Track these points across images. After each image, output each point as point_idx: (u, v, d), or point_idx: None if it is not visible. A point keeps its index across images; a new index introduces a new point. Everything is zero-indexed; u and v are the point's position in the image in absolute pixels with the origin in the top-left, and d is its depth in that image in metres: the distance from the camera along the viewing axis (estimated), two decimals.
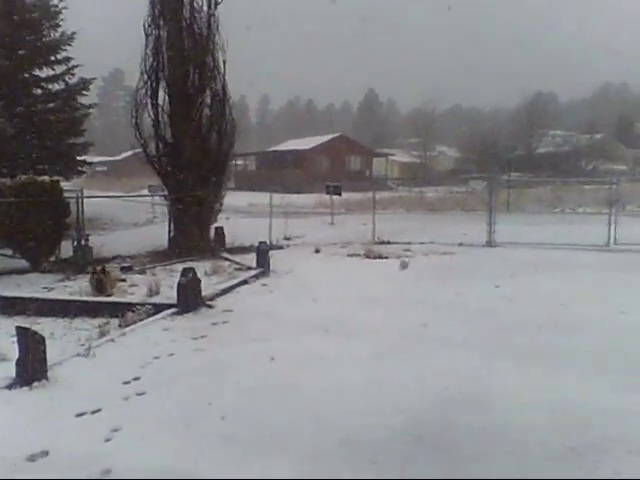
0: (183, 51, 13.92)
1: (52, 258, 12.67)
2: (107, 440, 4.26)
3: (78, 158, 21.43)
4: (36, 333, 5.30)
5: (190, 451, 4.07)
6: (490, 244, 13.77)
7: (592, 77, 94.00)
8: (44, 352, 5.33)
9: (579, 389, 5.02)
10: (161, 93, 14.05)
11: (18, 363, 5.23)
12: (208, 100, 14.10)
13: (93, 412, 4.74)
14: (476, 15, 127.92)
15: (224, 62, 14.13)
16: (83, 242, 12.47)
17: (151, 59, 13.93)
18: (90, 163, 23.37)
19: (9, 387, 5.13)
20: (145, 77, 13.93)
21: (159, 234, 15.22)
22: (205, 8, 13.94)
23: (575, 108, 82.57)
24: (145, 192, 29.43)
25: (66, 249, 12.85)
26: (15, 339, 7.28)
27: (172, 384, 5.34)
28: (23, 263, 12.36)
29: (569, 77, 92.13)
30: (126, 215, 23.14)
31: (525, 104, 57.15)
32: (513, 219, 16.02)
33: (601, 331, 6.74)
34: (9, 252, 12.65)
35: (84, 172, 22.63)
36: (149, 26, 13.86)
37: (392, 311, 7.82)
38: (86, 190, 13.75)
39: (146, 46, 13.91)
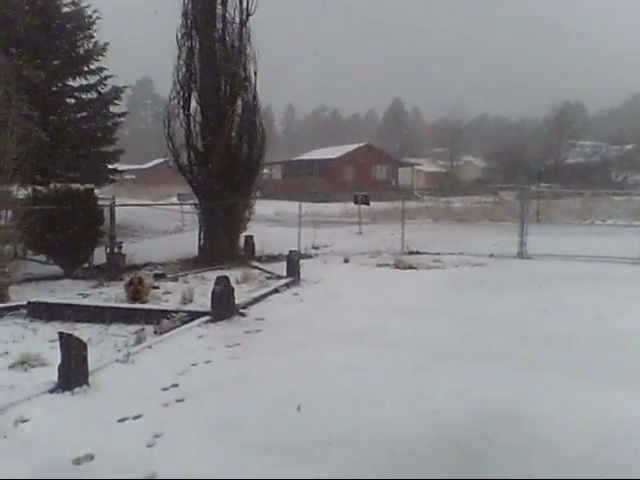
0: (215, 62, 14.14)
1: (85, 265, 12.90)
2: (149, 445, 4.32)
3: (109, 166, 21.80)
4: (78, 339, 5.40)
5: (232, 458, 4.10)
6: (521, 256, 13.65)
7: (621, 88, 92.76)
8: (85, 358, 5.43)
9: (619, 404, 4.95)
10: (193, 103, 14.29)
11: (60, 368, 5.33)
12: (239, 110, 14.27)
13: (134, 418, 4.80)
14: (503, 25, 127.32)
15: (255, 73, 14.32)
16: (116, 249, 12.67)
17: (184, 69, 14.17)
18: (121, 171, 23.76)
19: (51, 391, 5.22)
20: (178, 87, 14.16)
21: (189, 242, 15.40)
22: (237, 20, 14.15)
23: (604, 119, 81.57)
24: (174, 200, 29.85)
25: (98, 256, 13.07)
26: (54, 344, 7.48)
27: (210, 391, 5.39)
28: (56, 269, 12.59)
29: (597, 88, 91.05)
30: (156, 223, 23.44)
31: (554, 114, 56.65)
32: (543, 230, 15.88)
33: (638, 345, 6.65)
34: (43, 258, 12.92)
35: (115, 180, 22.97)
36: (182, 37, 14.10)
37: (425, 322, 7.79)
38: (116, 198, 13.98)
39: (179, 57, 14.15)
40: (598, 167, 47.60)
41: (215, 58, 14.10)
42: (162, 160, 67.24)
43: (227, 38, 14.13)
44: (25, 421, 4.66)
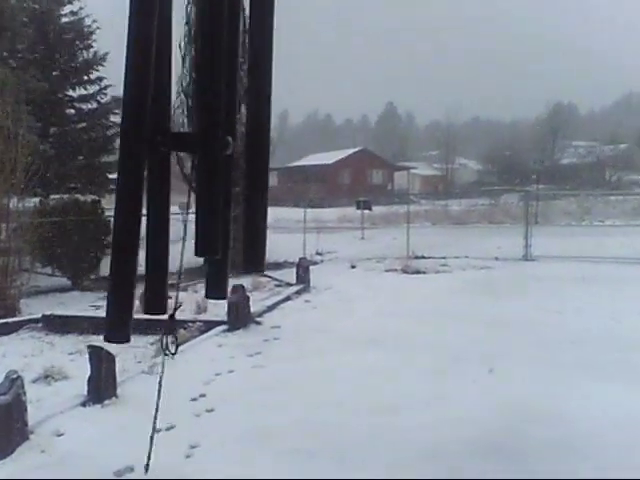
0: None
1: (92, 276, 12.92)
2: (188, 457, 4.36)
3: (110, 176, 21.78)
4: (108, 352, 5.43)
5: (272, 466, 4.15)
6: (526, 258, 13.76)
7: (612, 87, 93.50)
8: (114, 370, 5.47)
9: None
10: None
11: (90, 381, 5.36)
12: (243, 120, 14.31)
13: (168, 429, 4.84)
14: (492, 27, 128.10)
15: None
16: None
17: (187, 79, 14.18)
18: None
19: (83, 404, 5.26)
20: (182, 97, 14.14)
21: (193, 251, 15.40)
22: (241, 27, 14.20)
23: (596, 119, 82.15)
24: (173, 209, 29.85)
25: (105, 267, 13.09)
26: (73, 357, 7.52)
27: (239, 400, 5.44)
28: (63, 281, 12.62)
29: (589, 88, 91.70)
30: None
31: (546, 115, 57.05)
32: (544, 232, 15.97)
33: None
34: (48, 270, 12.94)
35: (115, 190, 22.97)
36: (186, 46, 14.13)
37: (441, 326, 7.86)
38: (110, 207, 14.05)
39: (182, 66, 14.15)
40: (592, 167, 47.93)
41: None
42: None
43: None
44: (61, 435, 4.69)
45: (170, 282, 7.72)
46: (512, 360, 6.33)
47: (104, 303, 7.47)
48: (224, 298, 1.50)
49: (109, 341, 1.41)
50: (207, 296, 1.51)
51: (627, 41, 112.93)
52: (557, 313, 8.33)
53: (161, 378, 1.56)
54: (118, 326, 1.29)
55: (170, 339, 1.52)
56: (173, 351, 6.33)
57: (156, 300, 1.31)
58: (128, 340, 1.29)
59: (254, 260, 1.40)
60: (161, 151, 1.34)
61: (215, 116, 1.28)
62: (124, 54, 1.40)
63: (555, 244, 13.86)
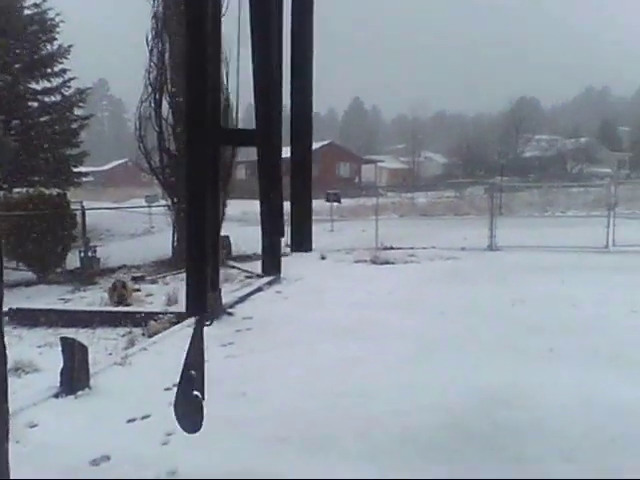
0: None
1: (59, 269, 12.75)
2: (164, 444, 4.40)
3: (74, 169, 21.47)
4: (81, 343, 5.42)
5: (247, 452, 4.22)
6: (492, 248, 14.05)
7: (573, 83, 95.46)
8: (87, 362, 5.46)
9: (607, 383, 5.24)
10: (165, 105, 14.22)
11: (62, 372, 5.34)
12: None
13: (143, 418, 4.87)
14: (456, 23, 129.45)
15: (227, 74, 14.28)
16: (90, 253, 12.56)
17: (155, 72, 14.08)
18: (86, 174, 23.42)
19: (56, 396, 5.24)
20: (149, 89, 14.06)
21: (160, 244, 15.35)
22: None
23: (557, 113, 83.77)
24: (137, 202, 29.47)
25: (71, 260, 12.95)
26: (42, 350, 7.46)
27: (213, 389, 5.44)
28: (29, 275, 12.42)
29: (551, 82, 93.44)
30: (122, 226, 23.15)
31: (510, 109, 58.01)
32: (508, 223, 16.28)
33: (616, 330, 6.99)
34: (12, 264, 12.71)
35: (80, 183, 22.61)
36: (153, 39, 14.02)
37: (411, 315, 8.01)
38: (75, 200, 13.93)
39: (150, 59, 14.05)
40: (554, 160, 48.94)
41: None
42: (121, 162, 66.36)
43: None
44: (34, 426, 4.68)
45: (139, 275, 7.76)
46: (480, 347, 6.50)
47: (72, 296, 7.51)
48: (278, 274, 1.66)
49: (191, 314, 1.68)
50: (263, 272, 1.66)
51: (586, 38, 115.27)
52: (521, 301, 8.55)
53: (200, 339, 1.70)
54: (197, 301, 1.48)
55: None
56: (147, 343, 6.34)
57: (205, 280, 1.50)
58: (205, 311, 1.50)
59: (302, 241, 1.53)
60: (214, 146, 1.48)
61: (273, 114, 1.40)
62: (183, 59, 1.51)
63: (519, 234, 14.17)
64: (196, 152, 1.47)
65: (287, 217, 1.67)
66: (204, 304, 1.52)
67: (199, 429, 1.82)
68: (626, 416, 4.61)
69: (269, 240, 1.64)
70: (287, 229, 1.73)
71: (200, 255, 1.47)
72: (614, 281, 9.90)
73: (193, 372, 1.75)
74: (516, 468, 3.91)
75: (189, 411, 1.78)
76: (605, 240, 13.37)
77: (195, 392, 1.75)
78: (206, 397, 4.85)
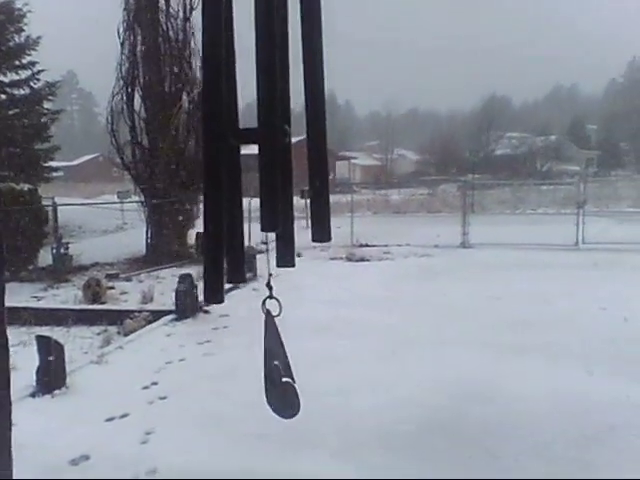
0: (159, 57, 13.98)
1: (30, 267, 12.55)
2: (143, 442, 4.40)
3: (44, 164, 21.13)
4: (57, 342, 5.37)
5: (227, 449, 4.24)
6: (464, 245, 14.23)
7: (544, 81, 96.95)
8: (64, 360, 5.41)
9: (578, 379, 5.39)
10: (137, 99, 14.07)
11: (38, 371, 5.29)
12: (186, 106, 14.16)
13: (121, 417, 4.85)
14: (428, 21, 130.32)
15: (200, 68, 14.22)
16: (62, 250, 12.38)
17: (126, 65, 13.92)
18: (56, 169, 23.04)
19: (32, 395, 5.19)
20: (121, 83, 13.91)
21: (133, 240, 15.20)
22: (181, 14, 14.02)
23: (528, 111, 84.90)
24: (108, 198, 29.07)
25: (43, 257, 12.76)
26: (16, 349, 7.32)
27: (191, 388, 5.48)
28: None
29: (521, 80, 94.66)
30: (94, 222, 22.82)
31: (481, 106, 58.64)
32: (480, 220, 16.48)
33: (587, 326, 7.17)
34: None
35: (50, 178, 22.25)
36: (124, 31, 13.85)
37: (387, 312, 8.09)
38: (46, 196, 13.73)
39: (121, 52, 13.89)
40: (524, 158, 49.62)
41: (159, 53, 13.95)
42: (92, 156, 65.38)
43: (171, 32, 13.99)
44: (11, 426, 4.61)
45: (113, 272, 7.70)
46: (454, 343, 6.62)
47: (45, 294, 7.44)
48: (293, 266, 1.72)
49: (209, 303, 1.79)
50: (278, 265, 1.71)
51: (555, 35, 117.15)
52: (495, 298, 8.70)
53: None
54: (214, 291, 1.54)
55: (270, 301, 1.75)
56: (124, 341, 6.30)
57: (237, 273, 1.58)
58: (222, 301, 1.66)
59: (322, 233, 1.62)
60: (232, 145, 1.54)
61: (272, 108, 1.45)
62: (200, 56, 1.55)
63: (491, 232, 14.34)
64: (212, 150, 1.52)
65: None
66: (221, 295, 1.59)
67: (298, 412, 1.88)
68: (597, 411, 4.75)
69: (283, 233, 1.67)
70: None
71: (217, 245, 1.53)
72: (584, 278, 10.13)
73: (276, 362, 1.80)
74: (490, 463, 4.00)
75: (285, 399, 1.82)
76: (575, 238, 13.64)
77: (284, 379, 1.80)
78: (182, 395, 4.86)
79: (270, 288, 1.82)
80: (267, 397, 1.91)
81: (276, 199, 1.49)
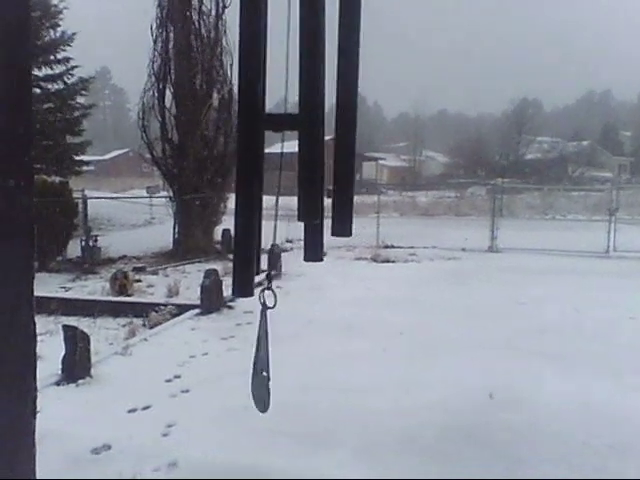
0: (190, 54, 14.08)
1: (59, 258, 12.74)
2: (165, 435, 4.41)
3: (75, 158, 21.44)
4: (83, 332, 5.43)
5: (247, 445, 4.23)
6: (492, 249, 14.06)
7: (576, 85, 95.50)
8: (89, 350, 5.46)
9: (607, 390, 5.26)
10: (168, 95, 14.20)
11: (64, 360, 5.35)
12: (215, 103, 14.25)
13: (144, 408, 4.88)
14: (459, 22, 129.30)
15: (231, 65, 14.29)
16: (91, 243, 12.55)
17: (159, 61, 14.05)
18: (87, 163, 23.38)
19: (57, 383, 5.25)
20: (152, 79, 14.05)
21: (161, 235, 15.33)
22: (213, 12, 14.11)
23: (559, 115, 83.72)
24: (137, 192, 29.45)
25: (72, 249, 12.94)
26: (42, 338, 7.43)
27: (214, 382, 5.48)
28: None
29: (553, 85, 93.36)
30: (123, 216, 23.12)
31: (512, 110, 57.90)
32: (509, 225, 16.27)
33: (615, 335, 7.01)
34: None
35: (81, 172, 22.57)
36: (157, 29, 13.98)
37: (411, 314, 8.01)
38: (76, 189, 13.92)
39: (154, 49, 14.03)
40: (555, 163, 48.88)
41: (191, 50, 14.05)
42: (122, 151, 66.24)
43: (203, 30, 14.08)
44: (36, 413, 4.67)
45: (140, 265, 7.76)
46: (479, 347, 6.52)
47: (73, 285, 7.51)
48: (320, 260, 1.68)
49: (238, 296, 1.76)
50: (305, 259, 1.68)
51: (592, 42, 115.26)
52: (522, 304, 8.57)
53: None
54: (244, 283, 1.53)
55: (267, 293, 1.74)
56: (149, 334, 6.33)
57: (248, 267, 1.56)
58: (252, 295, 1.65)
59: (343, 228, 1.60)
60: (259, 132, 1.54)
61: (317, 96, 1.44)
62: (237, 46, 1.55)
63: (520, 237, 14.15)
64: (247, 137, 1.51)
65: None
66: (250, 288, 1.58)
67: (266, 409, 1.88)
68: (626, 422, 4.63)
69: (311, 226, 1.64)
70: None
71: (248, 238, 1.52)
72: (614, 286, 9.92)
73: (262, 353, 1.81)
74: (513, 469, 3.92)
75: (261, 392, 1.83)
76: (606, 245, 13.39)
77: (264, 372, 1.81)
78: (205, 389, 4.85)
79: (269, 280, 1.79)
80: (252, 386, 1.91)
81: (316, 187, 1.46)
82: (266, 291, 1.87)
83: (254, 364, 1.89)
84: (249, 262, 1.56)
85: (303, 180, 1.46)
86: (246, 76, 1.48)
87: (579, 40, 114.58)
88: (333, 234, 1.65)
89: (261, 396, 1.88)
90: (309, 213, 1.47)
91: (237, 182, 1.55)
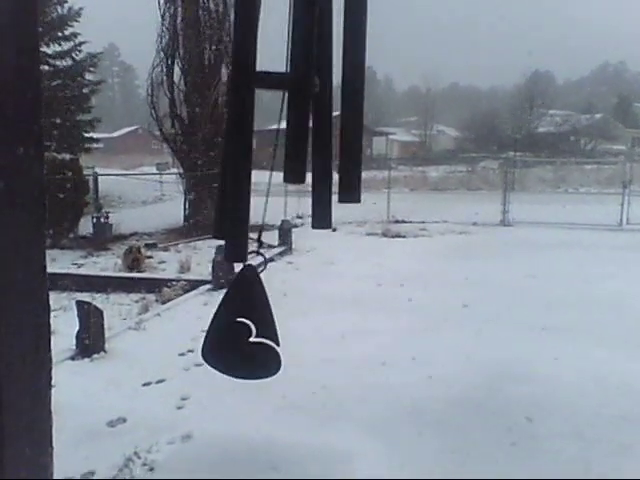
0: (199, 29, 13.95)
1: (71, 235, 12.83)
2: (179, 408, 4.47)
3: (85, 135, 21.46)
4: (96, 307, 5.47)
5: (261, 418, 4.27)
6: (504, 223, 13.99)
7: (590, 57, 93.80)
8: (103, 325, 5.52)
9: (620, 362, 5.25)
10: (177, 71, 14.11)
11: (78, 335, 5.41)
12: (224, 78, 14.14)
13: (158, 382, 4.94)
14: None
15: None
16: (103, 219, 12.61)
17: (167, 37, 13.93)
18: (97, 140, 23.38)
19: (72, 358, 5.32)
20: (161, 55, 13.95)
21: (171, 212, 15.38)
22: None
23: (572, 88, 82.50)
24: (146, 169, 29.42)
25: (84, 226, 13.02)
26: (57, 313, 7.52)
27: None
28: None
29: (567, 56, 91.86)
30: (133, 193, 23.18)
31: (525, 83, 57.10)
32: (521, 198, 16.13)
33: (627, 307, 6.98)
34: None
35: (91, 149, 22.59)
36: (165, 3, 13.84)
37: (422, 288, 8.01)
38: (86, 166, 13.96)
39: (162, 24, 13.90)
40: (568, 136, 48.31)
41: (199, 25, 13.91)
42: (132, 129, 66.14)
43: (211, 4, 13.92)
44: (52, 386, 4.74)
45: (151, 242, 7.77)
46: (491, 321, 6.51)
47: (85, 261, 7.54)
48: (329, 227, 1.61)
49: (230, 260, 1.63)
50: (313, 227, 1.60)
51: (604, 11, 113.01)
52: (533, 277, 8.53)
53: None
54: (235, 248, 1.45)
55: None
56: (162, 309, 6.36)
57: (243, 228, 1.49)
58: (245, 260, 1.46)
59: (351, 193, 1.53)
60: (250, 89, 1.46)
61: (308, 55, 1.39)
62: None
63: (531, 210, 14.05)
64: (238, 94, 1.46)
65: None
66: (243, 254, 1.50)
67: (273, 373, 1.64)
68: (637, 393, 4.63)
69: (320, 196, 1.58)
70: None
71: (238, 195, 1.47)
72: (627, 259, 9.86)
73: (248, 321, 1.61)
74: (527, 444, 3.94)
75: (255, 360, 1.62)
76: (619, 218, 13.28)
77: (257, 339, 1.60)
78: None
79: (260, 244, 1.64)
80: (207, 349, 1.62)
81: (301, 147, 1.41)
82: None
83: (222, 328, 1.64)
84: (241, 223, 1.50)
85: (290, 138, 1.41)
86: (240, 31, 1.43)
87: (593, 11, 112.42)
88: (340, 200, 1.58)
89: (255, 363, 1.64)
90: (292, 172, 1.41)
91: (226, 137, 1.50)
